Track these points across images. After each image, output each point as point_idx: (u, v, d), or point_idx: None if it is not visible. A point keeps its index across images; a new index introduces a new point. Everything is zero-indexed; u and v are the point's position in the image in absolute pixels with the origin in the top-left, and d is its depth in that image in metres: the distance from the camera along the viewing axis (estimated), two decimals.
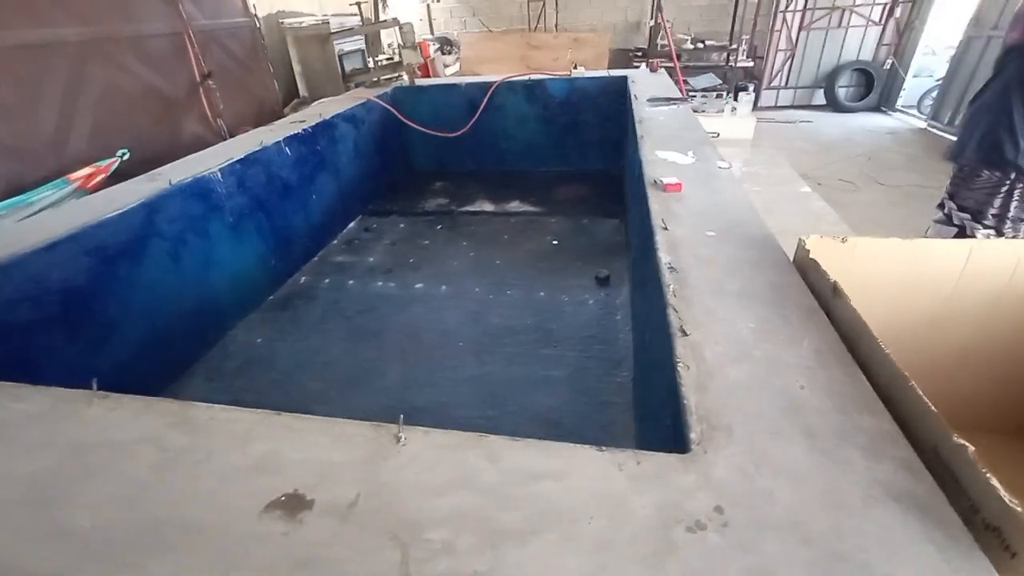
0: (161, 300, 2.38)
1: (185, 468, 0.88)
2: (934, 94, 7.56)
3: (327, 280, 3.25)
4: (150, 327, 2.32)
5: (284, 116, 5.59)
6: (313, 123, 3.47)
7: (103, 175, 3.06)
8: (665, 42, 7.50)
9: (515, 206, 4.14)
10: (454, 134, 4.56)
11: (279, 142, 3.11)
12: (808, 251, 1.30)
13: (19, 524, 0.79)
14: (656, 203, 1.78)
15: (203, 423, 0.97)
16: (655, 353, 1.48)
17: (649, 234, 1.71)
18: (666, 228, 1.59)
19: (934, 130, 7.03)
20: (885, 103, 8.31)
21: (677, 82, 6.60)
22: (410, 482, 0.82)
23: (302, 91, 5.68)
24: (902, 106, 8.15)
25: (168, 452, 0.91)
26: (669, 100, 3.20)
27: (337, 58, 5.34)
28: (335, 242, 3.78)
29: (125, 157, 3.22)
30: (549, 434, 2.06)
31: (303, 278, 3.31)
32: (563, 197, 4.22)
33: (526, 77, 4.52)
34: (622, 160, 4.72)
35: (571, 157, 4.77)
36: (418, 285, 3.11)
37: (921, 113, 7.80)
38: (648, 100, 3.23)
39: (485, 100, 4.48)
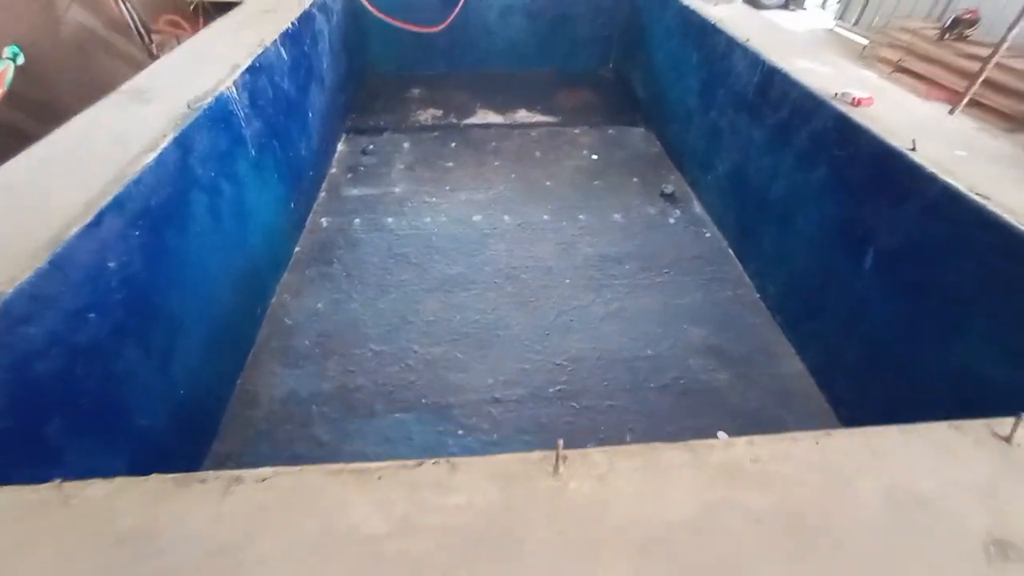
0: (211, 277, 1.76)
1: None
2: None
3: (356, 220, 2.68)
4: (208, 314, 1.73)
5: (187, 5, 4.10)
6: (296, 15, 2.61)
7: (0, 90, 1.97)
8: None
9: (524, 116, 3.72)
10: (434, 29, 3.81)
11: (276, 42, 2.31)
12: None
13: None
14: (863, 119, 1.67)
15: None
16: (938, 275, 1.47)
17: (878, 154, 1.61)
18: (914, 148, 1.51)
19: (841, 29, 7.66)
20: (793, 1, 8.78)
21: None
22: None
23: None
24: (807, 4, 8.70)
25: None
26: None
27: None
28: (334, 170, 3.09)
29: (19, 60, 2.10)
30: (721, 364, 2.03)
31: (323, 220, 2.69)
32: (571, 104, 3.87)
33: None
34: (612, 60, 4.41)
35: (557, 56, 4.33)
36: (476, 217, 2.72)
37: (824, 10, 8.41)
38: None
39: None
